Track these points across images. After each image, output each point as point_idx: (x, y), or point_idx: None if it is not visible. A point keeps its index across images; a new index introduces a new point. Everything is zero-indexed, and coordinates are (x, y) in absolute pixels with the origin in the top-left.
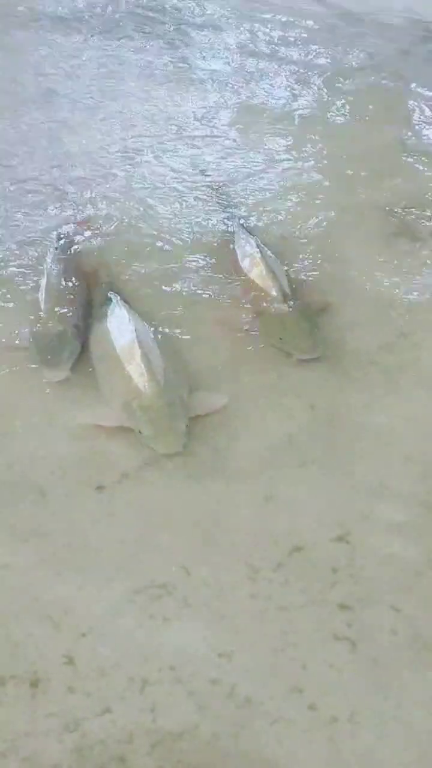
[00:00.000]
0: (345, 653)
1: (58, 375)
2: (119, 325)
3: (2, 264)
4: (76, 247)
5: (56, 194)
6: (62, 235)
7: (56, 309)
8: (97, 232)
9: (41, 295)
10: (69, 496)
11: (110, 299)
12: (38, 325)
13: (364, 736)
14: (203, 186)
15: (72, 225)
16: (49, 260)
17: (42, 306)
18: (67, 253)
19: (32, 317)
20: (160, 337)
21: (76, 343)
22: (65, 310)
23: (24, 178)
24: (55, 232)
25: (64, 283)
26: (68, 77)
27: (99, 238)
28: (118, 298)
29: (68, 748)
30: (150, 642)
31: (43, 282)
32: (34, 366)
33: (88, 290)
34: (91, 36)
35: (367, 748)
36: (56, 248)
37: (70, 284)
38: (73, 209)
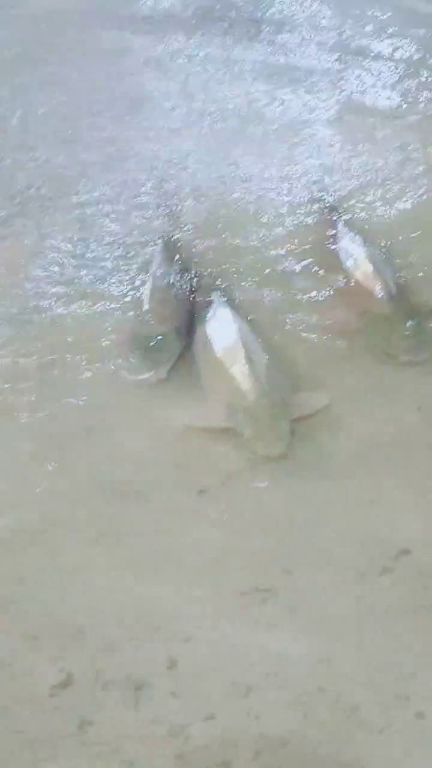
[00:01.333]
0: None
1: (154, 377)
2: (222, 326)
3: (112, 261)
4: (180, 248)
5: (162, 196)
6: (168, 237)
7: (159, 310)
8: (200, 233)
9: (145, 296)
10: (171, 498)
11: (213, 300)
12: (139, 325)
13: None
14: (307, 185)
15: (176, 227)
16: (155, 261)
17: (145, 306)
18: (172, 254)
19: (135, 317)
20: (261, 337)
21: (176, 346)
22: (168, 311)
23: (132, 179)
24: (161, 234)
25: (168, 284)
26: (162, 78)
27: (201, 240)
28: (221, 299)
29: (172, 753)
30: (253, 647)
31: (149, 282)
32: (133, 366)
33: (191, 292)
34: (185, 36)
35: None
36: (162, 250)
37: (174, 286)
38: (177, 211)
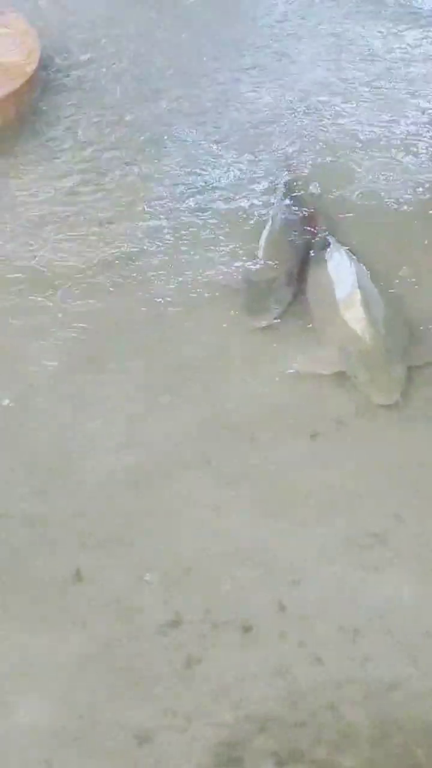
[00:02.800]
0: None
1: (261, 322)
2: (338, 269)
3: (232, 200)
4: (299, 193)
5: (287, 138)
6: (287, 181)
7: (271, 255)
8: (316, 180)
9: (261, 240)
10: (281, 441)
11: (328, 243)
12: (251, 270)
13: None
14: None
15: (295, 171)
16: (274, 204)
17: (260, 251)
18: (290, 199)
19: (249, 260)
20: (377, 282)
21: (286, 291)
22: (282, 256)
23: (256, 121)
24: (281, 178)
25: (284, 228)
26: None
27: (320, 182)
28: (337, 242)
29: (279, 694)
30: (362, 591)
31: (267, 226)
32: (244, 311)
33: (307, 236)
34: None
35: None
36: (282, 193)
37: (290, 230)
38: (298, 155)
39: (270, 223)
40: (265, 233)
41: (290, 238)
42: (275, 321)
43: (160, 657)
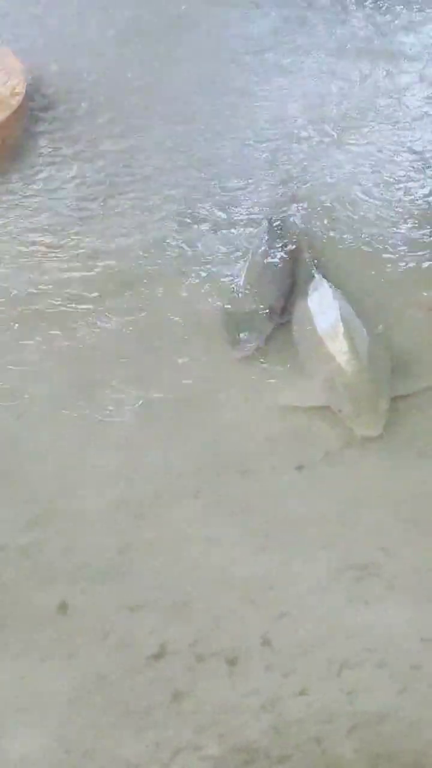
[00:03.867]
0: None
1: (240, 353)
2: (322, 302)
3: (217, 231)
4: (283, 224)
5: (269, 171)
6: (272, 215)
7: (254, 286)
8: (303, 209)
9: (243, 272)
10: (271, 473)
11: (313, 276)
12: (233, 303)
13: None
14: (415, 164)
15: (282, 201)
16: (258, 237)
17: (241, 283)
18: (274, 231)
19: (230, 294)
20: (362, 315)
21: (266, 323)
22: (263, 288)
23: (239, 152)
24: (267, 211)
25: (266, 261)
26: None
27: (304, 215)
28: (322, 275)
29: (265, 726)
30: (350, 624)
31: (249, 258)
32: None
33: (292, 269)
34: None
35: None
36: (266, 226)
37: (273, 263)
38: (283, 186)
39: (252, 255)
40: (246, 265)
41: (272, 271)
42: (254, 353)
43: (148, 689)
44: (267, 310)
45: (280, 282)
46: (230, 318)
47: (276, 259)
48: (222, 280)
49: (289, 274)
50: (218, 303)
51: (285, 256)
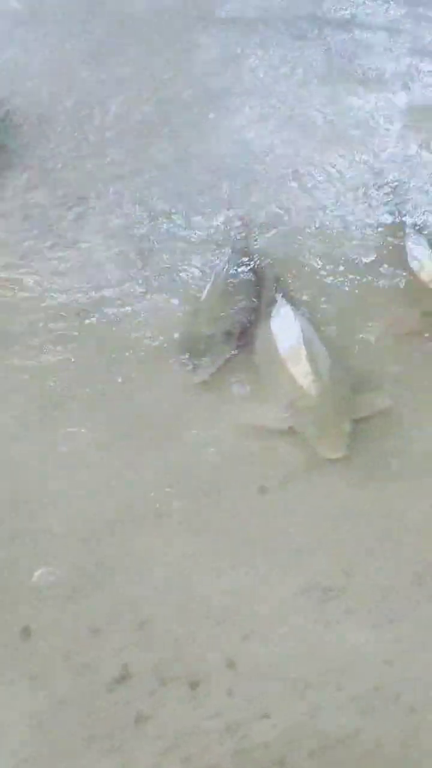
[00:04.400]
0: None
1: (197, 377)
2: (284, 325)
3: (178, 262)
4: (247, 248)
5: (227, 196)
6: (235, 237)
7: (213, 311)
8: (263, 234)
9: (203, 296)
10: (235, 494)
11: (275, 299)
12: (191, 326)
13: None
14: (374, 189)
15: (245, 226)
16: (219, 262)
17: (200, 307)
18: (238, 255)
19: (189, 317)
20: (324, 337)
21: (224, 348)
22: (222, 313)
23: (196, 178)
24: (232, 237)
25: (228, 285)
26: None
27: (267, 239)
28: (284, 298)
29: (228, 750)
30: (312, 646)
31: (210, 283)
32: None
33: (254, 292)
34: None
35: None
36: (230, 252)
37: (235, 286)
38: (246, 212)
39: (213, 278)
40: (207, 289)
41: (233, 295)
42: (212, 376)
43: (110, 713)
44: (225, 334)
45: (241, 306)
46: (188, 342)
47: (238, 283)
48: (182, 303)
49: (251, 297)
50: (179, 326)
51: (248, 279)
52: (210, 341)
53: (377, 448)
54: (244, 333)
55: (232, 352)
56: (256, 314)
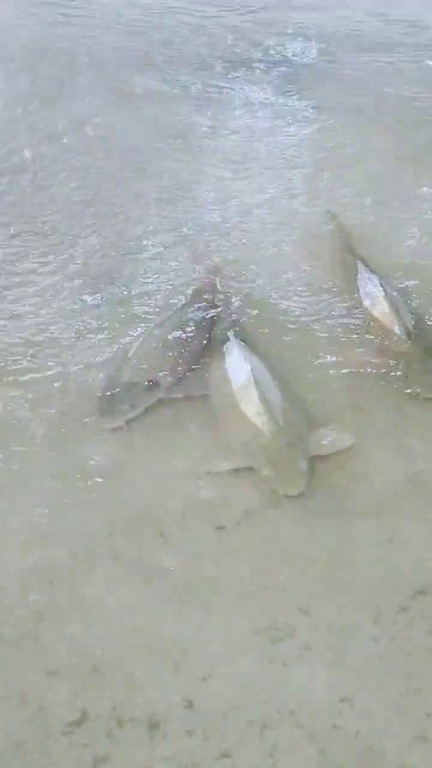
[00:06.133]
0: None
1: (110, 424)
2: (235, 366)
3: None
4: (201, 295)
5: (184, 245)
6: (190, 285)
7: (140, 360)
8: (221, 280)
9: (135, 343)
10: (189, 535)
11: (227, 339)
12: (114, 373)
13: None
14: (324, 227)
15: (200, 274)
16: (168, 310)
17: (129, 354)
18: (192, 303)
19: (119, 362)
20: (278, 376)
21: (144, 397)
22: (151, 362)
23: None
24: (179, 282)
25: (166, 335)
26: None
27: (222, 285)
28: (235, 338)
29: None
30: (270, 685)
31: (146, 332)
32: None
33: (197, 343)
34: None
35: None
36: (187, 298)
37: (177, 336)
38: (201, 259)
39: (152, 327)
40: (141, 337)
41: (170, 344)
42: (117, 426)
43: (66, 757)
44: (149, 383)
45: (176, 356)
46: (108, 388)
47: (183, 332)
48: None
49: (197, 346)
50: (106, 372)
51: (200, 326)
52: (130, 389)
53: (335, 486)
54: (177, 383)
55: (155, 399)
56: (209, 353)
